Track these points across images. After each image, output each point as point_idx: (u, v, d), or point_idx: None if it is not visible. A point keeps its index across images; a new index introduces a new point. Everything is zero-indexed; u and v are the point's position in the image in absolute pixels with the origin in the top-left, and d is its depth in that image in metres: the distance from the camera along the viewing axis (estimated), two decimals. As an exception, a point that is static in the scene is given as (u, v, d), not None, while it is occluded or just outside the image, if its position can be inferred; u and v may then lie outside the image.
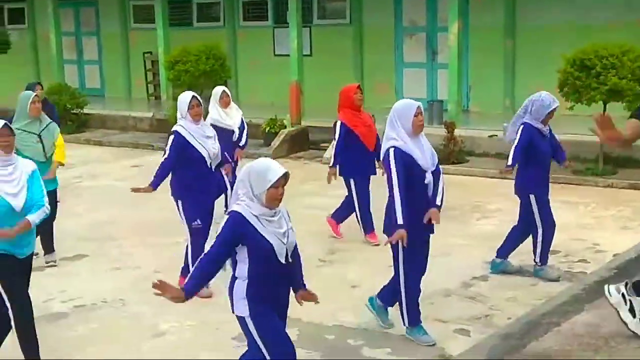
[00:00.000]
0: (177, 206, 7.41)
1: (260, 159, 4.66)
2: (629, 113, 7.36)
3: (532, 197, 7.46)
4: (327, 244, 9.01)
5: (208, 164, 7.34)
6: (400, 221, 5.72)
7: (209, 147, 7.31)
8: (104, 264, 8.58)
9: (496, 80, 15.68)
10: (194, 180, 7.24)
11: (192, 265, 7.35)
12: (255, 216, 4.55)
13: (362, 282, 7.63)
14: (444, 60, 15.20)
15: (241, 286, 4.67)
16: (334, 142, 8.95)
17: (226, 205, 9.56)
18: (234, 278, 4.73)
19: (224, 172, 8.86)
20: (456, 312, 6.66)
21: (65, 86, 17.97)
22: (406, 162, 5.86)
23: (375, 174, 8.80)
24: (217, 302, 7.24)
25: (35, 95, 8.18)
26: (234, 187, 4.71)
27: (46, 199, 5.75)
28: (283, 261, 4.64)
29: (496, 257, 7.77)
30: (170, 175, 7.40)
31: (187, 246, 7.51)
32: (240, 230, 4.52)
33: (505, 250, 7.75)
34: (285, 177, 4.57)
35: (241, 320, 4.73)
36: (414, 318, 6.21)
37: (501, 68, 15.65)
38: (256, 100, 17.64)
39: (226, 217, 4.60)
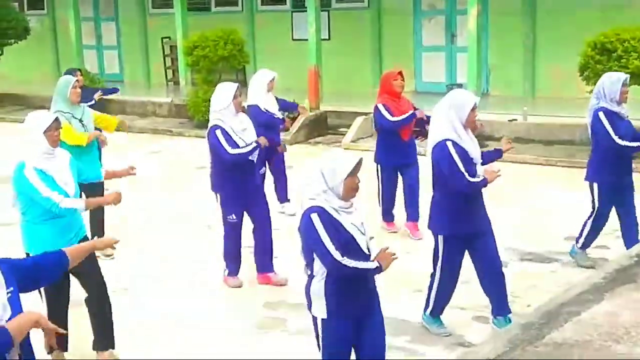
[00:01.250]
0: (216, 199, 7.40)
1: (330, 152, 4.60)
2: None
3: (595, 185, 7.31)
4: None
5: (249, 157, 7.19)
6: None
7: (248, 140, 7.15)
8: (127, 250, 8.62)
9: (516, 63, 15.57)
10: (232, 174, 7.14)
11: (225, 258, 7.40)
12: (335, 209, 4.45)
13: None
14: (463, 44, 15.11)
15: (319, 283, 4.54)
16: (379, 128, 8.67)
17: (277, 194, 9.65)
18: (311, 277, 4.60)
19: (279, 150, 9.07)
20: (476, 299, 6.64)
21: (85, 72, 17.98)
22: (462, 156, 5.68)
23: (407, 165, 8.59)
24: (233, 290, 7.30)
25: (77, 80, 8.10)
26: (307, 184, 4.56)
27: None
28: (366, 251, 4.54)
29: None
30: (210, 169, 7.39)
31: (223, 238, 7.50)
32: (328, 224, 4.41)
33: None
34: (360, 164, 4.48)
35: (314, 320, 4.63)
36: (438, 309, 6.20)
37: (521, 51, 15.54)
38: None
39: (314, 215, 4.42)
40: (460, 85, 14.61)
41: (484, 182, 5.79)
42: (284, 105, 9.94)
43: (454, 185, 5.72)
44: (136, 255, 8.38)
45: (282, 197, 9.72)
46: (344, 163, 4.43)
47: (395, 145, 8.49)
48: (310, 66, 15.52)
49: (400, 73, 8.52)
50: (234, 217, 7.28)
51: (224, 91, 7.11)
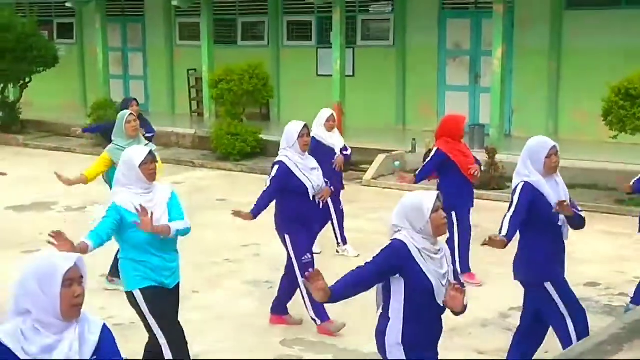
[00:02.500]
0: (284, 241, 7.08)
1: (408, 194, 4.47)
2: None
3: None
4: (342, 265, 8.97)
5: (311, 196, 6.97)
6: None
7: (314, 179, 6.97)
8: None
9: (540, 104, 15.58)
10: (299, 213, 6.93)
11: (312, 305, 6.97)
12: (418, 249, 4.30)
13: (374, 306, 7.58)
14: (487, 84, 15.15)
15: (396, 328, 4.36)
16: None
17: (336, 236, 9.48)
18: (386, 318, 4.42)
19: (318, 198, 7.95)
20: (494, 344, 6.60)
21: (111, 101, 18.22)
22: (534, 197, 5.53)
23: (473, 206, 8.43)
24: (252, 325, 7.29)
25: (131, 113, 8.00)
26: (389, 226, 4.46)
27: (187, 218, 5.72)
28: (440, 304, 4.36)
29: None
30: (275, 210, 7.12)
31: (282, 279, 7.29)
32: (399, 262, 4.28)
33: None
34: (439, 198, 4.39)
35: None
36: None
37: (545, 92, 15.56)
38: (298, 119, 17.53)
39: (390, 244, 4.34)
40: (482, 126, 14.63)
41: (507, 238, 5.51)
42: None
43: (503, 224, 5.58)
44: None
45: (343, 238, 9.58)
46: (426, 201, 4.32)
47: (462, 186, 8.25)
48: (334, 102, 15.60)
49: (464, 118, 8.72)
50: (309, 257, 6.96)
51: (290, 131, 7.00)
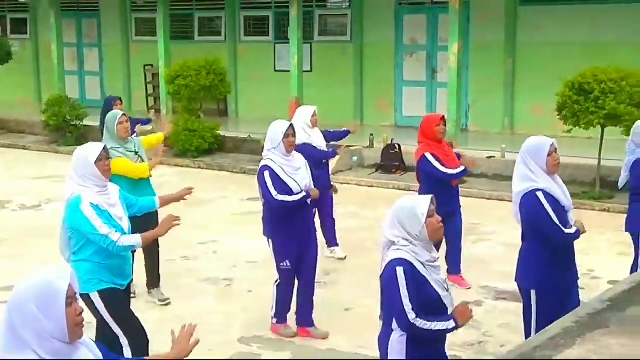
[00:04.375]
0: (269, 245, 6.89)
1: (398, 201, 4.31)
2: (626, 138, 7.31)
3: None
4: (322, 265, 8.99)
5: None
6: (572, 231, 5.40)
7: (300, 180, 6.72)
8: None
9: (496, 99, 15.72)
10: (286, 217, 6.69)
11: (277, 306, 6.96)
12: (422, 263, 4.20)
13: (356, 305, 7.62)
14: (444, 79, 15.26)
15: (399, 342, 4.23)
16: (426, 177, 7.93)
17: (326, 238, 9.20)
18: (388, 330, 4.28)
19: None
20: (449, 338, 6.59)
21: (66, 97, 17.99)
22: (553, 206, 5.36)
23: (453, 213, 8.01)
24: (209, 323, 7.26)
25: (123, 114, 7.74)
26: (381, 235, 4.31)
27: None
28: (449, 312, 4.28)
29: None
30: (262, 213, 6.89)
31: (275, 286, 7.03)
32: (415, 283, 4.14)
33: None
34: (433, 202, 4.26)
35: None
36: None
37: (501, 87, 15.70)
38: (256, 115, 17.66)
39: (399, 270, 4.13)
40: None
41: (577, 235, 5.53)
42: (332, 136, 9.59)
43: (549, 237, 5.41)
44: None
45: (332, 241, 9.40)
46: (419, 204, 4.21)
47: (444, 194, 7.56)
48: (292, 97, 15.58)
49: (442, 118, 8.03)
50: (288, 264, 6.79)
51: (274, 131, 6.70)
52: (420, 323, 4.13)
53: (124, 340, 5.49)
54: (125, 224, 5.43)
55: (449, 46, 14.12)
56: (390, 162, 13.95)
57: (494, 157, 13.20)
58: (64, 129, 17.44)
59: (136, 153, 7.69)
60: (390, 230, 4.25)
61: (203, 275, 8.71)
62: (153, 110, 19.20)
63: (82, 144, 7.24)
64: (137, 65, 20.24)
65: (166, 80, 16.29)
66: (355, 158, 14.16)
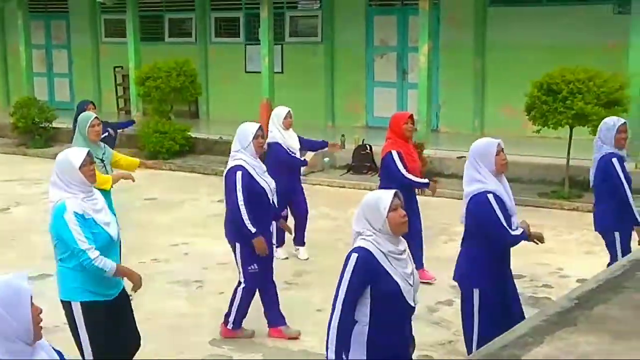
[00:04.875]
0: (234, 249, 6.75)
1: (367, 195, 4.40)
2: (594, 137, 7.39)
3: (617, 234, 7.00)
4: (294, 266, 9.01)
5: (270, 199, 6.71)
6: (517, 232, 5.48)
7: (270, 182, 6.71)
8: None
9: (466, 100, 15.82)
10: (256, 218, 6.53)
11: (235, 312, 6.82)
12: (384, 253, 4.24)
13: (328, 306, 7.60)
14: (414, 80, 15.32)
15: (360, 331, 4.29)
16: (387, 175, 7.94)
17: (295, 235, 9.06)
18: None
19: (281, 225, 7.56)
20: (420, 338, 6.61)
21: (34, 99, 17.84)
22: (502, 209, 5.43)
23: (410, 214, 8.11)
24: (180, 325, 7.24)
25: (96, 117, 7.64)
26: (353, 228, 4.35)
27: None
28: (412, 304, 4.33)
29: None
30: (226, 216, 6.76)
31: (235, 290, 6.88)
32: (370, 272, 4.20)
33: None
34: (397, 196, 4.32)
35: None
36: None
37: (471, 88, 15.80)
38: (227, 117, 17.62)
39: (354, 256, 4.21)
40: (411, 122, 14.75)
41: (524, 236, 5.60)
42: (308, 145, 9.54)
43: (496, 239, 5.51)
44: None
45: (300, 241, 9.36)
46: (383, 199, 4.27)
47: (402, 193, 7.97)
48: (263, 99, 15.58)
49: (411, 117, 8.14)
50: (255, 267, 6.69)
51: (244, 132, 6.65)
52: (337, 318, 4.22)
53: (87, 358, 5.29)
54: (114, 230, 5.28)
55: (419, 47, 14.19)
56: (362, 162, 14.00)
57: (464, 157, 13.27)
58: (33, 131, 17.29)
59: (102, 161, 7.63)
60: (356, 223, 4.32)
61: (174, 277, 8.68)
62: (138, 113, 19.09)
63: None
64: (106, 67, 20.12)
65: (136, 82, 16.23)
66: (326, 159, 14.16)
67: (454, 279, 5.83)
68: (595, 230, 7.30)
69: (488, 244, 5.54)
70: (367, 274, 4.20)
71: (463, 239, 5.76)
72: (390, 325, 4.31)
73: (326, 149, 9.94)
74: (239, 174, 6.50)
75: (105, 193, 7.25)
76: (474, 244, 5.62)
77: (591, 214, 7.47)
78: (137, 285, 5.38)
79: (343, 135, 14.55)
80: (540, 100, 11.51)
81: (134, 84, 16.60)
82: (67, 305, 5.23)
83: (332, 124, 17.28)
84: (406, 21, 16.36)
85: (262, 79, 15.83)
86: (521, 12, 15.21)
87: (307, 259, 9.21)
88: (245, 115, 16.78)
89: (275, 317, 7.00)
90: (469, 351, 5.91)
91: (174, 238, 10.09)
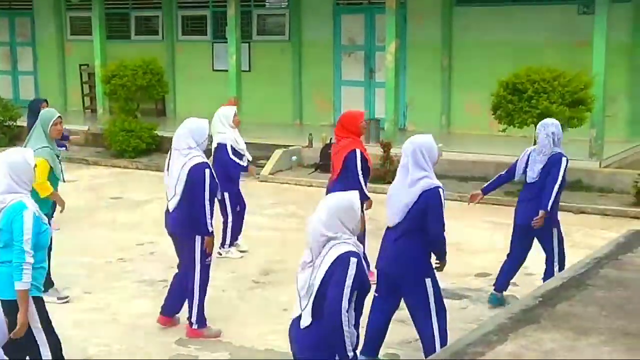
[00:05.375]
0: (189, 243, 6.74)
1: (329, 198, 4.47)
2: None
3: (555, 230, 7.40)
4: (261, 265, 9.00)
5: (219, 196, 7.03)
6: None
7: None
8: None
9: (433, 99, 15.89)
10: (211, 214, 6.69)
11: (197, 309, 6.83)
12: (362, 254, 4.44)
13: (294, 305, 7.62)
14: (382, 79, 15.37)
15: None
16: (352, 174, 7.88)
17: (224, 236, 9.13)
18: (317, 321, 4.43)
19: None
20: (387, 337, 6.70)
21: (-1, 98, 17.63)
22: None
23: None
24: (146, 325, 7.20)
25: (59, 116, 7.62)
26: (314, 232, 4.36)
27: None
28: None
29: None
30: (183, 212, 6.70)
31: (189, 289, 6.83)
32: (363, 275, 4.33)
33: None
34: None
35: None
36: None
37: (438, 87, 15.88)
38: (194, 114, 17.26)
39: (353, 260, 4.27)
40: (378, 121, 14.83)
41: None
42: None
43: (440, 232, 5.78)
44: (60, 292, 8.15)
45: (234, 240, 9.33)
46: (352, 199, 4.38)
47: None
48: (230, 97, 15.52)
49: (363, 114, 8.30)
50: (209, 260, 6.80)
51: (202, 128, 6.89)
52: (345, 320, 4.25)
53: (44, 350, 5.31)
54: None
55: (386, 45, 14.23)
56: (329, 161, 13.90)
57: (431, 155, 13.35)
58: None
59: (58, 157, 7.67)
60: (327, 227, 4.32)
61: (140, 277, 8.62)
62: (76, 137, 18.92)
63: (15, 144, 7.07)
64: (72, 65, 19.95)
65: (102, 80, 16.11)
66: (294, 158, 14.18)
67: (392, 273, 5.89)
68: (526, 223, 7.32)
69: (426, 236, 5.79)
70: (362, 277, 4.31)
71: (400, 233, 5.81)
72: (355, 321, 4.43)
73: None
74: (207, 171, 6.58)
75: (43, 201, 7.14)
76: (416, 236, 5.79)
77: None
78: (20, 324, 5.15)
79: (311, 134, 14.58)
80: (506, 99, 11.61)
81: (100, 82, 16.47)
82: (13, 304, 5.12)
83: (299, 122, 17.27)
84: (373, 20, 16.40)
85: (229, 77, 15.78)
86: (488, 11, 15.33)
87: (241, 257, 9.19)
88: (213, 113, 16.81)
89: (201, 318, 6.94)
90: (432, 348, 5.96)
91: (140, 237, 10.02)
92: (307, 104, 17.37)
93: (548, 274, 7.30)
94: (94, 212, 11.56)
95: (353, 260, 4.28)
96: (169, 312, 7.13)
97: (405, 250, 5.84)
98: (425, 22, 15.82)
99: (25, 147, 7.04)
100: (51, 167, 7.42)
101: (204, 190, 6.56)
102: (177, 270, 7.11)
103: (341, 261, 4.28)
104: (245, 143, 9.42)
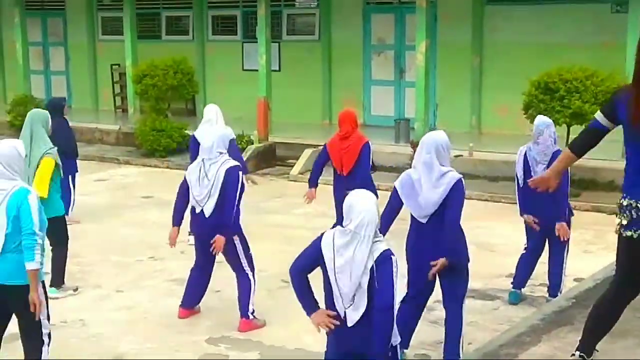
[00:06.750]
0: (232, 242, 7.08)
1: (369, 198, 4.52)
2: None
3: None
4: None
5: None
6: None
7: None
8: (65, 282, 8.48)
9: (463, 98, 15.80)
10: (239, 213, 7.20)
11: (252, 301, 7.15)
12: None
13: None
14: (412, 79, 15.29)
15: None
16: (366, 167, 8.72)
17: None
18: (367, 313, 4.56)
19: None
20: (419, 337, 6.65)
21: (31, 97, 17.81)
22: None
23: None
24: (177, 324, 7.22)
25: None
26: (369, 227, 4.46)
27: None
28: None
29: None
30: (216, 217, 6.96)
31: (244, 283, 7.16)
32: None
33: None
34: None
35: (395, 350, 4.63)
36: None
37: (468, 86, 15.78)
38: (224, 115, 17.51)
39: (394, 259, 4.43)
40: (408, 121, 14.77)
41: None
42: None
43: (456, 218, 5.87)
44: (92, 290, 8.24)
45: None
46: (375, 200, 4.50)
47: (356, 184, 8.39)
48: (260, 97, 15.55)
49: None
50: (251, 252, 7.31)
51: (226, 134, 7.64)
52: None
53: (46, 331, 5.53)
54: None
55: (416, 45, 14.16)
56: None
57: (462, 156, 13.27)
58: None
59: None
60: (374, 223, 4.43)
61: (170, 275, 8.65)
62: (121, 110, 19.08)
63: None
64: (103, 65, 20.08)
65: (133, 79, 16.19)
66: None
67: (447, 258, 5.83)
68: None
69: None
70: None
71: (438, 222, 5.84)
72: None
73: None
74: (240, 174, 6.99)
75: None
76: (454, 224, 5.87)
77: (589, 213, 7.47)
78: (38, 303, 5.31)
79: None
80: (537, 99, 11.51)
81: (131, 82, 16.56)
82: (27, 290, 5.25)
83: (329, 122, 17.24)
84: (403, 19, 16.33)
85: (259, 77, 15.79)
86: (519, 10, 15.21)
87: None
88: (243, 112, 16.85)
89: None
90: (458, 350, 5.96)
91: (171, 236, 10.03)
92: (336, 103, 17.32)
93: (555, 274, 7.32)
94: (124, 210, 11.63)
95: (393, 259, 4.40)
96: (188, 304, 7.40)
97: (450, 236, 5.88)
98: (455, 22, 15.72)
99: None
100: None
101: (237, 190, 6.90)
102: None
103: (383, 260, 4.38)
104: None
